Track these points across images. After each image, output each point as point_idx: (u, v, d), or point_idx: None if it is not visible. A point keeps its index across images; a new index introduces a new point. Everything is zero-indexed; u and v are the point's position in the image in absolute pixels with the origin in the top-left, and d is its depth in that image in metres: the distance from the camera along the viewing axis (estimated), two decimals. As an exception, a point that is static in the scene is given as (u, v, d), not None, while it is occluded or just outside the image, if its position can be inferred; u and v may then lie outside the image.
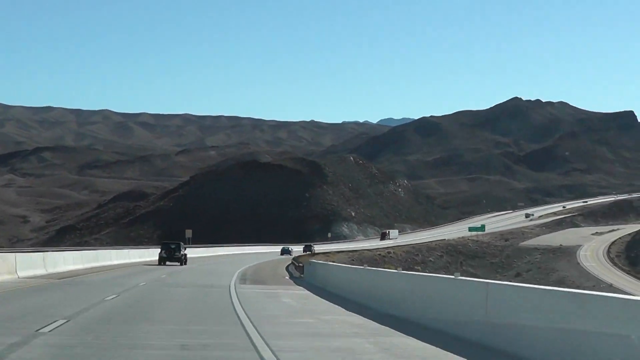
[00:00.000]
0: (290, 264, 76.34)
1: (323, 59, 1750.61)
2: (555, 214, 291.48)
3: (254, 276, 54.73)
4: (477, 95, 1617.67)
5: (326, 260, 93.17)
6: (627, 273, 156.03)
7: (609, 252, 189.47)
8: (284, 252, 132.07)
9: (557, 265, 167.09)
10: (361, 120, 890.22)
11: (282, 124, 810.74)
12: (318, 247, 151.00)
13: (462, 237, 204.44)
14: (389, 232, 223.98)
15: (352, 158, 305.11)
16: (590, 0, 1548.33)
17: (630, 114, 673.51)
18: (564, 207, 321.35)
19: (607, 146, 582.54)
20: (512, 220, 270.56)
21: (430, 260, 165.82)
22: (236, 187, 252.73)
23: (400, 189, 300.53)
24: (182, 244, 76.38)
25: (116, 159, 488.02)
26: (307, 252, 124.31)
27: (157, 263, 72.33)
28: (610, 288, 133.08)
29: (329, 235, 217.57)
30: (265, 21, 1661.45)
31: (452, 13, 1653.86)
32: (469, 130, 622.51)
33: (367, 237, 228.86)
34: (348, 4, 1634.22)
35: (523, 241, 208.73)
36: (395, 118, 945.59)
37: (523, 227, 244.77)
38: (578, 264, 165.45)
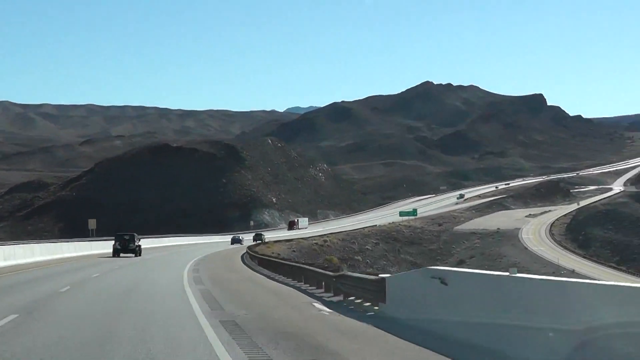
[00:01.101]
0: (245, 254, 66.97)
1: (228, 46, 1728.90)
2: (479, 196, 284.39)
3: (244, 304, 24.38)
4: (387, 79, 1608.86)
5: (270, 252, 76.74)
6: (583, 257, 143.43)
7: (552, 234, 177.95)
8: (235, 241, 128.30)
9: (502, 250, 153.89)
10: (268, 109, 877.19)
11: (189, 112, 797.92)
12: (247, 237, 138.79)
13: (393, 222, 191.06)
14: (297, 220, 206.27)
15: (270, 141, 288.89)
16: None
17: (539, 97, 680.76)
18: (496, 187, 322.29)
19: (518, 129, 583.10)
20: (439, 204, 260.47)
21: (368, 249, 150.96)
22: (146, 174, 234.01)
23: (321, 174, 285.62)
24: (136, 235, 75.71)
25: (16, 151, 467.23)
26: (258, 242, 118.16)
27: (39, 267, 55.90)
28: (573, 274, 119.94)
29: (251, 223, 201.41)
30: (168, 9, 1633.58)
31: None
32: (382, 115, 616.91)
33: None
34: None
35: (457, 225, 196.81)
36: (302, 106, 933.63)
37: (452, 210, 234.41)
38: (526, 248, 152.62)
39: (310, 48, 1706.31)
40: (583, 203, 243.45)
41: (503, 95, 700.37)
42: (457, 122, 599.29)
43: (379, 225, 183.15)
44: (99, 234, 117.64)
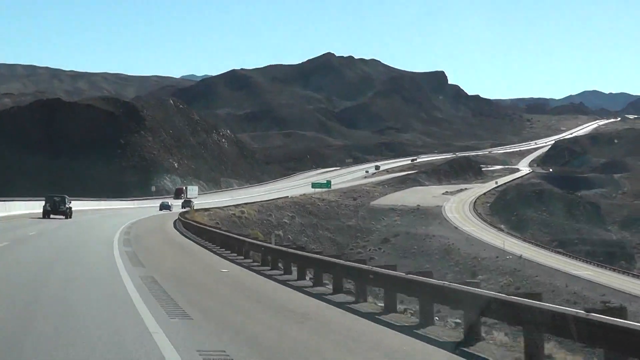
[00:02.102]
0: (177, 221, 64.05)
1: (122, 7, 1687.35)
2: (388, 171, 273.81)
3: None
4: (288, 49, 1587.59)
5: (188, 220, 61.37)
6: (524, 240, 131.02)
7: (478, 213, 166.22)
8: (164, 207, 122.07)
9: (430, 229, 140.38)
10: (163, 75, 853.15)
11: (82, 74, 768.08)
12: (148, 203, 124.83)
13: (305, 194, 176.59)
14: (185, 188, 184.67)
15: (172, 101, 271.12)
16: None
17: (441, 74, 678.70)
18: (412, 160, 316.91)
19: (420, 105, 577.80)
20: (347, 177, 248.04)
21: (286, 222, 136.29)
22: (35, 131, 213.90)
23: (224, 140, 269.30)
24: (67, 197, 75.33)
25: None
26: (186, 208, 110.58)
27: None
28: (521, 260, 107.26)
29: (153, 189, 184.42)
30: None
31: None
32: (281, 85, 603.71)
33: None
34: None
35: (372, 200, 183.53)
36: (198, 74, 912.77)
37: (364, 184, 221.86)
38: (456, 228, 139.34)
39: (207, 13, 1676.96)
40: (500, 182, 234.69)
41: (405, 71, 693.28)
42: (358, 96, 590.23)
43: (292, 197, 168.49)
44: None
